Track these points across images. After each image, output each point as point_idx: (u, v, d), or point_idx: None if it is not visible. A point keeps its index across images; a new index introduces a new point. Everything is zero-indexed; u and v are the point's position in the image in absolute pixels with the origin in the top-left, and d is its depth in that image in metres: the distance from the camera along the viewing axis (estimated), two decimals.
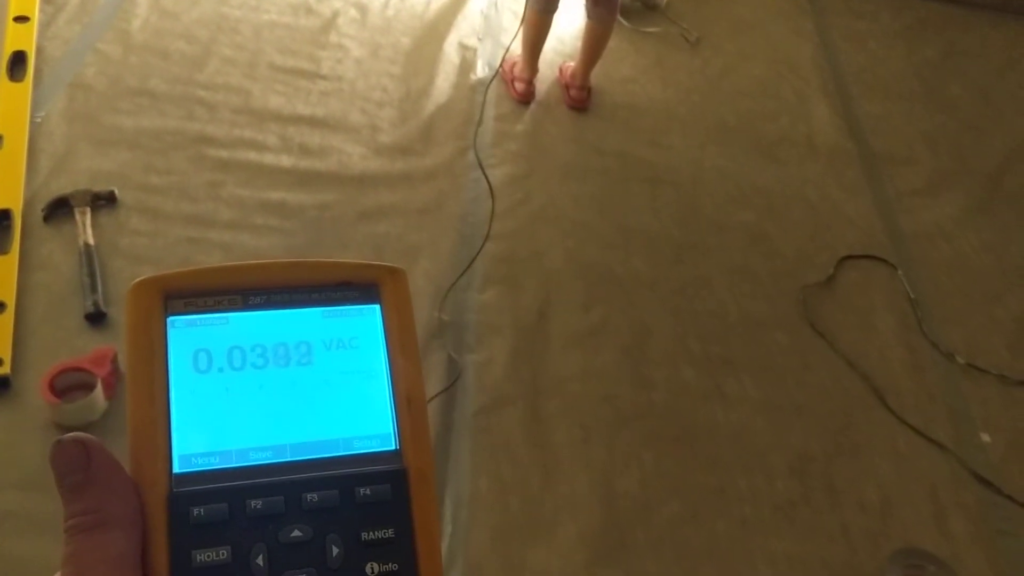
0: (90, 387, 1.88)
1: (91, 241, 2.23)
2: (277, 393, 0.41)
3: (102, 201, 2.35)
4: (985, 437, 2.29)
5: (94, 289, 2.12)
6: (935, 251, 2.79)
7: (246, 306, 0.42)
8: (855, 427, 2.26)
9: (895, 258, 2.72)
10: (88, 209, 2.30)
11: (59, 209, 2.30)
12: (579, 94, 2.99)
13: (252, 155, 2.60)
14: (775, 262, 2.65)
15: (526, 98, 2.99)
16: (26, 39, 2.74)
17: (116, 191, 2.38)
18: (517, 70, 3.00)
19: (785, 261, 2.66)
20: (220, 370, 0.40)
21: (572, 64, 3.04)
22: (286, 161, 2.61)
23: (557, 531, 1.93)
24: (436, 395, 2.09)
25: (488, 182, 2.62)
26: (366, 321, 0.43)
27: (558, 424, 2.13)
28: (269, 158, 2.61)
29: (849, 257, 2.69)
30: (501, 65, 3.04)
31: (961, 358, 2.45)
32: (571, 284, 2.46)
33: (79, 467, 0.36)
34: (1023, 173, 3.13)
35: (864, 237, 2.78)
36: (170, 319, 0.40)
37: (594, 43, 2.88)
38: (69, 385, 1.90)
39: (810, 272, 2.62)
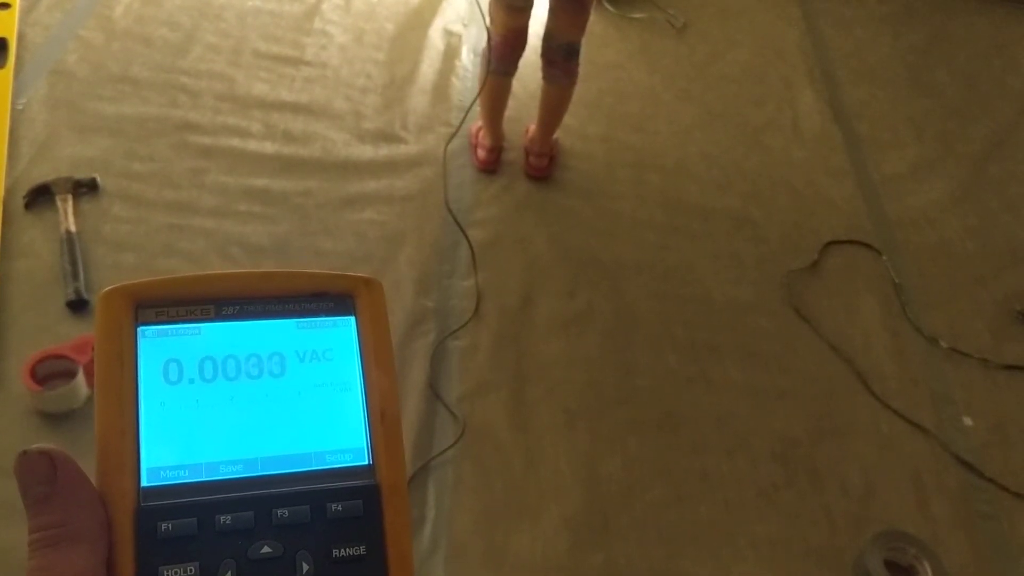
0: (72, 374, 1.88)
1: (73, 228, 2.22)
2: (249, 405, 0.40)
3: (84, 188, 2.34)
4: (967, 421, 2.30)
5: (76, 276, 2.11)
6: (919, 236, 2.79)
7: (218, 316, 0.41)
8: (838, 411, 2.27)
9: (879, 243, 2.72)
10: (70, 196, 2.29)
11: (41, 196, 2.29)
12: (538, 161, 2.70)
13: (235, 142, 2.59)
14: (760, 247, 2.65)
15: (487, 166, 2.70)
16: (7, 25, 2.72)
17: (98, 178, 2.37)
18: (480, 136, 2.73)
19: (770, 246, 2.66)
20: (191, 381, 0.39)
21: (533, 127, 2.74)
22: (270, 148, 2.60)
23: (541, 515, 1.94)
24: (445, 450, 2.02)
25: (444, 187, 2.61)
26: (341, 333, 0.42)
27: (542, 409, 2.14)
28: (253, 145, 2.60)
29: (834, 242, 2.70)
30: (466, 128, 2.79)
31: (944, 342, 2.46)
32: (555, 270, 2.46)
33: (45, 479, 0.35)
34: (1008, 159, 3.14)
35: (849, 222, 2.78)
36: (140, 329, 0.39)
37: (550, 107, 2.62)
38: (51, 372, 1.89)
39: (795, 257, 2.62)
